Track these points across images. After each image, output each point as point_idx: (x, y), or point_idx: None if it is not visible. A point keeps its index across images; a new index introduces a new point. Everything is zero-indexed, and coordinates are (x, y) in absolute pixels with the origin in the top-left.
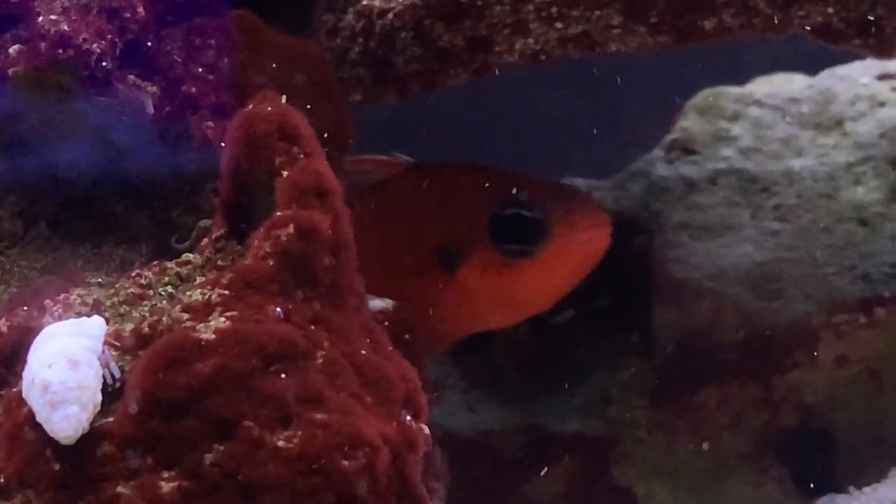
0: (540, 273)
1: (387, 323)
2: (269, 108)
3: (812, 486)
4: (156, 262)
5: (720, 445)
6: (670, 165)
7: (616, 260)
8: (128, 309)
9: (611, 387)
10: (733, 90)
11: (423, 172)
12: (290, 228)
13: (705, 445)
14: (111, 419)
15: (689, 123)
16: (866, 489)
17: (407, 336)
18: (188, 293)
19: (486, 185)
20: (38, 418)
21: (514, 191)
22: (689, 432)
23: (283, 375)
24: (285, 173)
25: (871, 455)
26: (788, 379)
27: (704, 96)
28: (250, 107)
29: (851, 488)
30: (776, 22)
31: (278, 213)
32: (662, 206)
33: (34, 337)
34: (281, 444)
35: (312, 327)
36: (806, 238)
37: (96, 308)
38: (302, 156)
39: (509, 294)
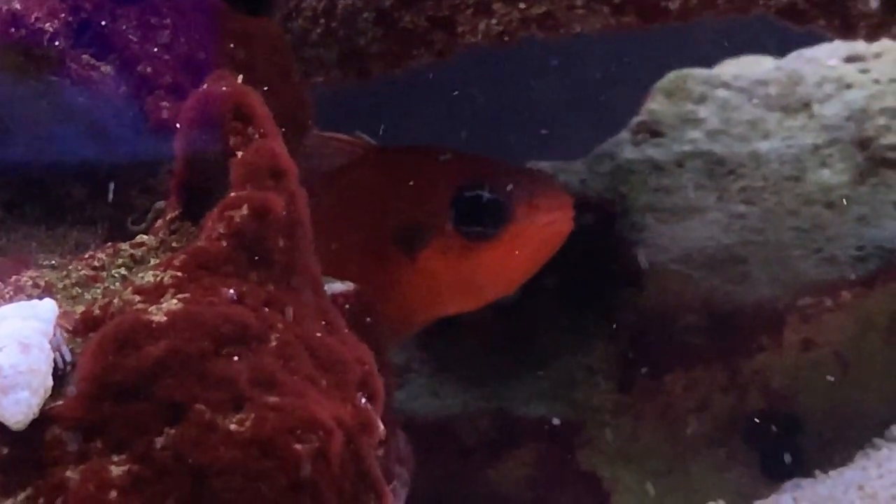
0: (502, 256)
1: (347, 306)
2: (225, 88)
3: (778, 470)
4: (109, 244)
5: (686, 429)
6: (637, 148)
7: (582, 242)
8: (80, 291)
9: (576, 371)
10: (701, 72)
11: (385, 155)
12: (244, 209)
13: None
14: (61, 403)
15: (656, 106)
16: (832, 473)
17: (368, 319)
18: (141, 275)
19: (448, 167)
20: None
21: (476, 173)
22: (655, 416)
23: (235, 358)
24: (240, 154)
25: (838, 439)
26: (754, 362)
27: (672, 78)
28: (205, 86)
29: (818, 472)
30: (740, 3)
31: (232, 194)
32: (629, 188)
33: None
34: (233, 427)
35: (266, 309)
36: (772, 221)
37: (48, 290)
38: (257, 136)
39: (471, 277)
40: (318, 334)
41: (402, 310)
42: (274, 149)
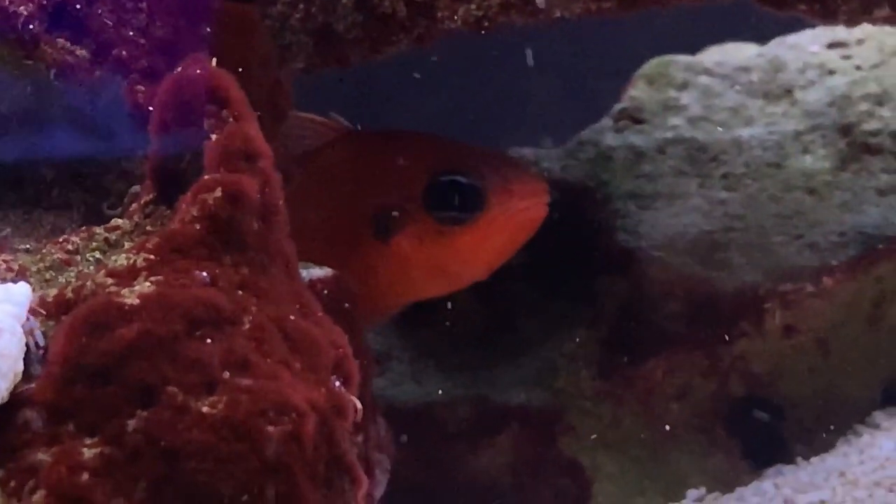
0: (476, 241)
1: (325, 291)
2: (199, 71)
3: (760, 456)
4: (84, 228)
5: (667, 416)
6: (619, 135)
7: (562, 229)
8: (54, 275)
9: (557, 357)
10: (683, 59)
11: (360, 139)
12: (218, 192)
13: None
14: (32, 386)
15: (637, 92)
16: (814, 459)
17: (346, 305)
18: (115, 258)
19: (423, 152)
20: None
21: (451, 158)
22: (636, 403)
23: (208, 341)
24: (214, 137)
25: (819, 425)
26: (735, 349)
27: (654, 65)
28: (180, 70)
29: (799, 459)
30: None
31: (206, 177)
32: (610, 175)
33: None
34: (205, 409)
35: (240, 292)
36: (754, 207)
37: (22, 274)
38: (231, 119)
39: (444, 262)
40: (292, 317)
41: (376, 294)
42: (248, 132)
